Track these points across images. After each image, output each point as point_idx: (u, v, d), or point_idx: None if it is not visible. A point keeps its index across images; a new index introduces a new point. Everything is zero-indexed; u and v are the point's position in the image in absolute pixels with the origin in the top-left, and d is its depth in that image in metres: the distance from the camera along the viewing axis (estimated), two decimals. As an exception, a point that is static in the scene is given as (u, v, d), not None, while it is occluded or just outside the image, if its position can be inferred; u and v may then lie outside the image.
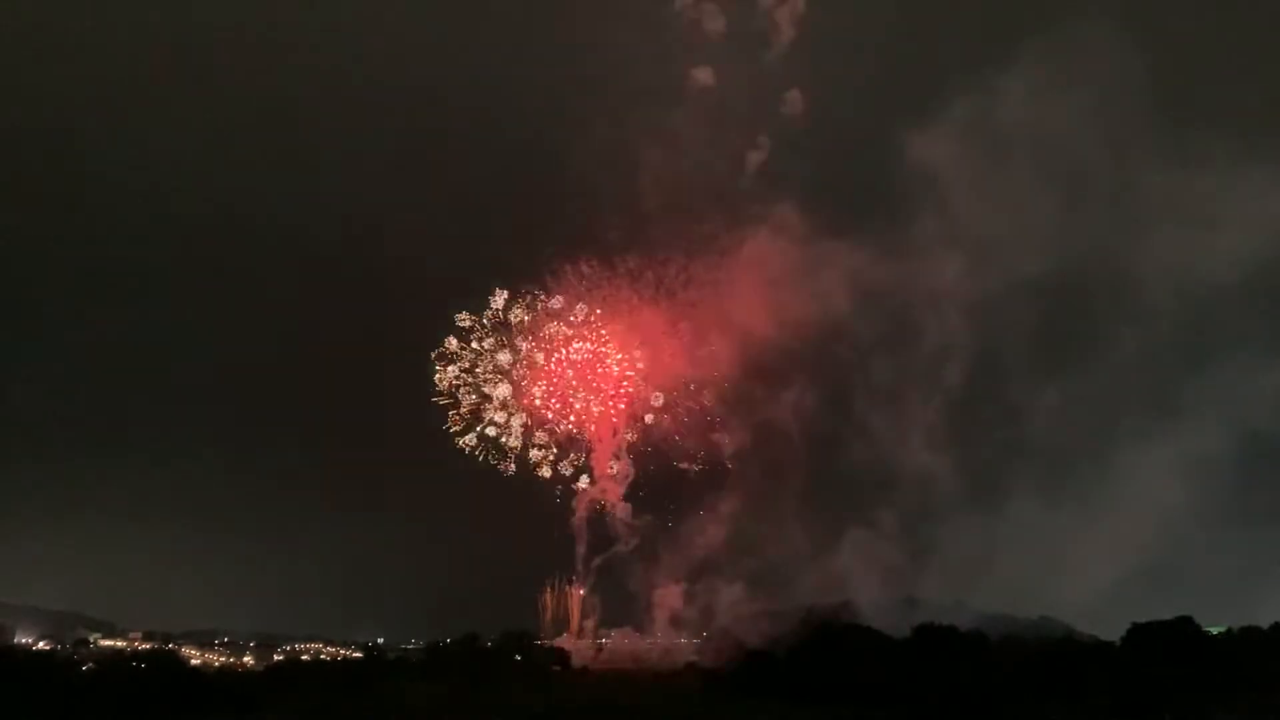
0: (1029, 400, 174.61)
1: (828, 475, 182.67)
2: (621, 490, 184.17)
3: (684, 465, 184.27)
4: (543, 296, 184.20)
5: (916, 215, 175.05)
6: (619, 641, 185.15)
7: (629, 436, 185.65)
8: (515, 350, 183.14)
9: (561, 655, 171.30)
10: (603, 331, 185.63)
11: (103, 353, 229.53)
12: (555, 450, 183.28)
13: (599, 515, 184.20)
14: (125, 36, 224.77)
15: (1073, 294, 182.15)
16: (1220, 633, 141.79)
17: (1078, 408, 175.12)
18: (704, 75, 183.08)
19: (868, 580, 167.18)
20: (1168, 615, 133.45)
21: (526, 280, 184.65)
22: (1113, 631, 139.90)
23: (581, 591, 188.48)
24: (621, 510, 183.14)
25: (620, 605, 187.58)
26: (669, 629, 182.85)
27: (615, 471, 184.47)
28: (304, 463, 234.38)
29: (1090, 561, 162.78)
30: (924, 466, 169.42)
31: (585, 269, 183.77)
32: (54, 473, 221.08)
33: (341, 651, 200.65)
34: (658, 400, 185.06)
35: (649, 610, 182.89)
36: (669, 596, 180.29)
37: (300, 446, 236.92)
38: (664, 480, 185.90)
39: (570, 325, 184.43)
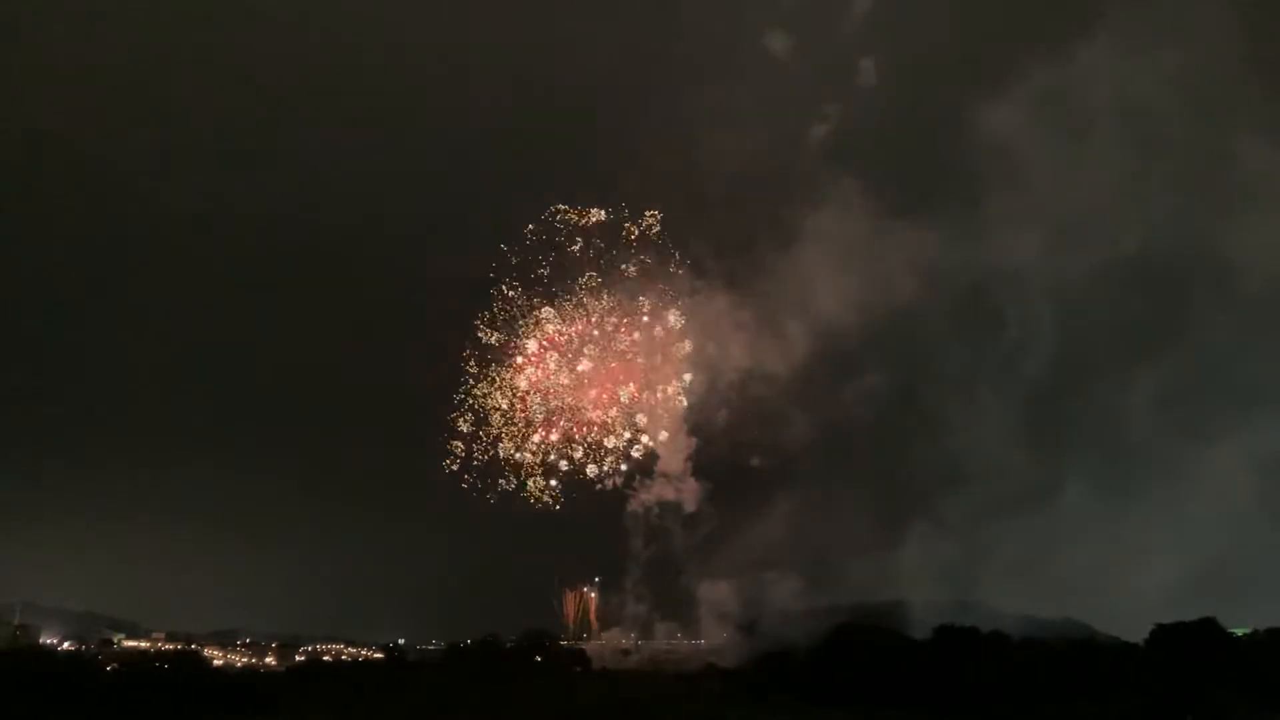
0: (1109, 394, 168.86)
1: (892, 469, 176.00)
2: (682, 487, 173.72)
3: (754, 461, 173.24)
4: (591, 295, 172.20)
5: (992, 192, 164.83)
6: (660, 640, 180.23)
7: (687, 427, 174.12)
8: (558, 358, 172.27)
9: (582, 656, 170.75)
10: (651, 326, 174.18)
11: (125, 356, 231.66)
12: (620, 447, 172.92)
13: (647, 511, 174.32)
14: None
15: (1158, 278, 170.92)
16: (1244, 634, 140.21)
17: (1160, 402, 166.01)
18: (779, 41, 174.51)
19: (921, 579, 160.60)
20: (1192, 616, 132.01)
21: (574, 272, 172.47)
22: (1136, 633, 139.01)
23: (593, 596, 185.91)
24: (688, 498, 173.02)
25: (669, 602, 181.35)
26: (715, 626, 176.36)
27: (676, 470, 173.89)
28: (326, 464, 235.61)
29: (1154, 562, 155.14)
30: (994, 461, 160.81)
31: (642, 258, 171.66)
32: (77, 476, 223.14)
33: (363, 652, 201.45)
34: (722, 391, 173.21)
35: (697, 608, 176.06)
36: (717, 593, 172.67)
37: (323, 447, 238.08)
38: (724, 474, 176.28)
39: (626, 320, 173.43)
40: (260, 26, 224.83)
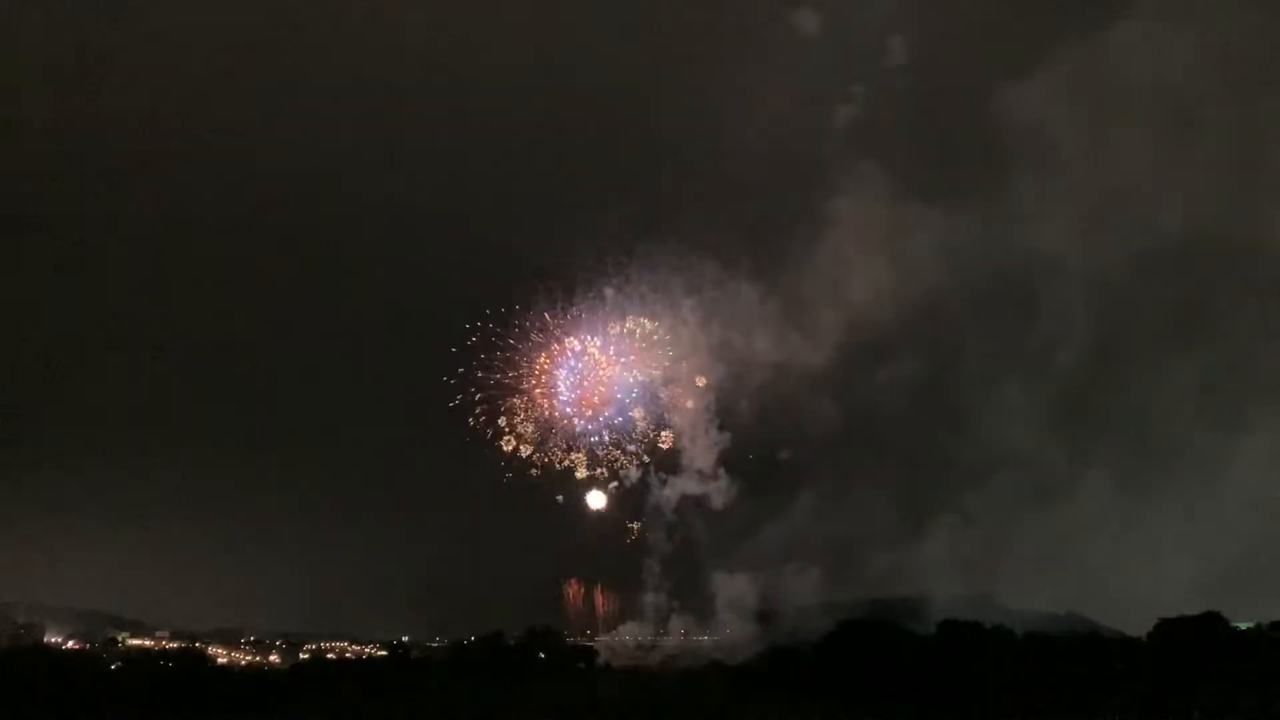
0: (1141, 384, 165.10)
1: (918, 460, 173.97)
2: (709, 481, 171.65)
3: (783, 453, 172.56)
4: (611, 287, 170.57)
5: (1023, 176, 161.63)
6: (672, 636, 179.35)
7: (713, 419, 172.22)
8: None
9: (588, 653, 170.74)
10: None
11: (132, 355, 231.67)
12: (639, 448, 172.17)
13: (666, 505, 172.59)
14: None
15: (1192, 265, 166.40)
16: (1249, 628, 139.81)
17: (1193, 393, 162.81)
18: (808, 20, 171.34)
19: (943, 573, 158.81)
20: (1201, 610, 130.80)
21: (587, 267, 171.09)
22: (1139, 627, 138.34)
23: (605, 593, 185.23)
24: (715, 492, 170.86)
25: (686, 597, 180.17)
26: (733, 621, 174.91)
27: (701, 465, 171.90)
28: (330, 461, 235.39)
29: (1180, 556, 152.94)
30: (1022, 454, 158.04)
31: (663, 248, 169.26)
32: (83, 474, 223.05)
33: (367, 650, 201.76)
34: (748, 383, 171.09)
35: (714, 602, 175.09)
36: (736, 587, 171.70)
37: (326, 445, 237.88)
38: (749, 467, 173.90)
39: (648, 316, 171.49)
40: (270, 22, 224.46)
